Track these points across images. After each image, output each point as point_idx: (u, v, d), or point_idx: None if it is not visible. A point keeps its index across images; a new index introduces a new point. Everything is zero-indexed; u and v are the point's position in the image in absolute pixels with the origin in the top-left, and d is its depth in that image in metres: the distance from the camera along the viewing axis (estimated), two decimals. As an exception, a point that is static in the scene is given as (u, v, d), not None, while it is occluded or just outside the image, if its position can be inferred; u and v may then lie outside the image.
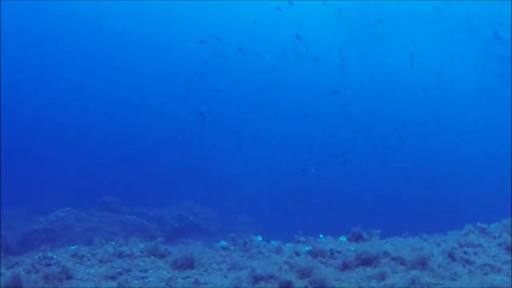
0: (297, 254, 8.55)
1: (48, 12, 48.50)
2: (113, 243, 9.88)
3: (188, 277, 7.83)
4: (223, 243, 10.29)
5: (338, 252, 8.57)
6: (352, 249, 8.56)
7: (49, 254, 8.42)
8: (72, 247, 9.68)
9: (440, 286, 6.77)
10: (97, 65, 50.12)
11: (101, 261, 8.62)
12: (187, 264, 8.46)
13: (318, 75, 34.93)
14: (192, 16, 49.87)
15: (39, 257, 8.37)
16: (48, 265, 8.15)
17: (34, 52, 47.31)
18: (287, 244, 9.72)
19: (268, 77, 35.36)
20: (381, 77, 35.20)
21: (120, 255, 8.77)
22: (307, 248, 8.78)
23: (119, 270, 7.98)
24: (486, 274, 7.27)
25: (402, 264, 7.70)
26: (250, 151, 41.69)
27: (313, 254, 8.53)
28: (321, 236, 9.93)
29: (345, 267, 7.89)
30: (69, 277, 7.64)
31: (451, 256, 7.92)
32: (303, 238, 9.77)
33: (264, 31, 42.47)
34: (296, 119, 43.97)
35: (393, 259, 7.94)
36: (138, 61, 50.87)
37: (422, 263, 7.44)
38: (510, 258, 7.94)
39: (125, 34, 51.12)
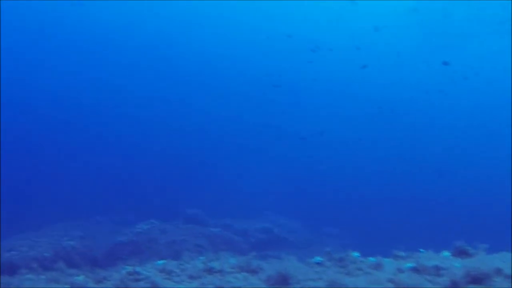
0: (400, 271, 7.96)
1: (53, 12, 48.66)
2: (202, 257, 9.69)
3: (284, 295, 7.46)
4: (317, 258, 9.83)
5: (444, 269, 7.90)
6: (459, 265, 7.88)
7: (137, 269, 8.29)
8: (159, 262, 9.55)
9: None
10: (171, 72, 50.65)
11: (190, 276, 8.40)
12: (282, 280, 8.07)
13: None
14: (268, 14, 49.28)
15: (127, 272, 8.27)
16: (136, 280, 8.03)
17: (38, 52, 48.22)
18: (386, 260, 9.15)
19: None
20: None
21: (210, 270, 8.53)
22: (409, 265, 8.17)
23: (210, 287, 7.71)
24: None
25: (518, 283, 6.96)
26: (333, 159, 41.14)
27: (417, 270, 7.91)
28: (421, 250, 9.30)
29: (453, 285, 7.22)
30: (158, 294, 7.46)
31: None
32: (402, 253, 9.16)
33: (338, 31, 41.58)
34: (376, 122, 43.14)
35: (507, 277, 7.20)
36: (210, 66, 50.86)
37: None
38: None
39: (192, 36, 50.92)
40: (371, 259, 9.38)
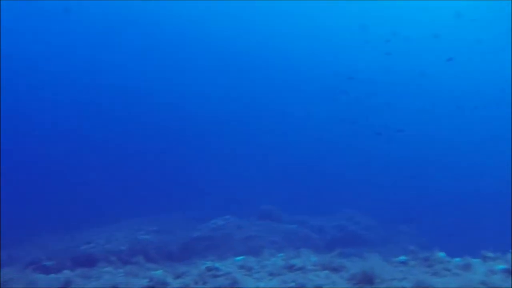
0: (492, 272, 7.40)
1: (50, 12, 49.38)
2: (282, 254, 9.42)
3: (370, 295, 7.06)
4: (402, 257, 9.36)
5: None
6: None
7: (217, 265, 8.10)
8: (238, 258, 9.34)
9: None
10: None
11: (271, 273, 8.14)
12: (366, 280, 7.67)
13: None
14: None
15: (206, 267, 8.10)
16: (215, 276, 7.85)
17: (36, 52, 48.42)
18: (474, 260, 8.58)
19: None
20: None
21: (291, 268, 8.23)
22: (501, 266, 7.63)
23: (292, 284, 7.41)
24: None
25: None
26: (408, 155, 40.06)
27: (509, 272, 7.35)
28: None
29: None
30: (238, 291, 7.24)
31: None
32: (491, 254, 8.57)
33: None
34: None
35: None
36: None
37: None
38: None
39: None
40: (457, 259, 8.87)
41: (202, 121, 47.12)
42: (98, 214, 25.83)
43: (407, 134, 37.10)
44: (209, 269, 8.13)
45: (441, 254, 9.25)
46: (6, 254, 18.04)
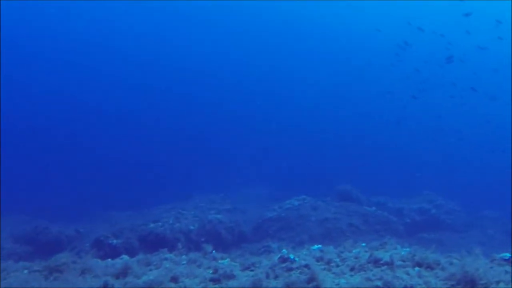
0: None
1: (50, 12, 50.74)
2: (364, 244, 8.42)
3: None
4: (505, 254, 8.16)
5: None
6: None
7: (291, 256, 7.21)
8: (315, 247, 8.44)
9: None
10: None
11: (352, 268, 7.17)
12: (467, 281, 6.58)
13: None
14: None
15: (279, 258, 7.23)
16: (289, 269, 6.97)
17: (35, 52, 49.00)
18: None
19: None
20: None
21: (376, 262, 7.21)
22: None
23: (378, 283, 6.43)
24: None
25: None
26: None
27: None
28: None
29: None
30: (315, 288, 6.33)
31: None
32: None
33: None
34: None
35: None
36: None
37: None
38: None
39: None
40: None
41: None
42: (169, 190, 25.75)
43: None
44: (282, 260, 7.27)
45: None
46: (73, 229, 18.07)
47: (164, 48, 54.13)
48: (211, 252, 8.01)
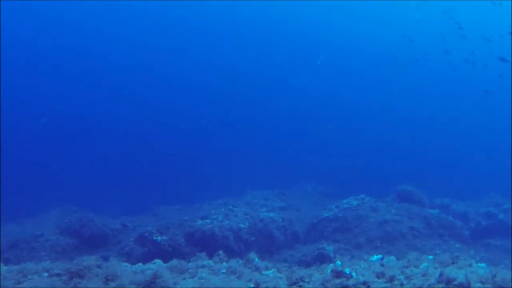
0: None
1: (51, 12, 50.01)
2: (431, 257, 7.22)
3: None
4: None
5: None
6: None
7: (347, 271, 6.11)
8: (374, 257, 7.30)
9: None
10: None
11: (419, 289, 5.99)
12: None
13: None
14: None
15: (332, 271, 6.14)
16: (344, 286, 5.85)
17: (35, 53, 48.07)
18: None
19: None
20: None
21: (449, 283, 6.01)
22: None
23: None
24: None
25: None
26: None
27: None
28: None
29: None
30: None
31: None
32: None
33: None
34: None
35: None
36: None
37: None
38: None
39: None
40: None
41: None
42: (223, 185, 25.03)
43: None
44: (336, 274, 6.17)
45: None
46: (120, 223, 17.47)
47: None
48: (254, 260, 6.97)
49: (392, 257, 7.36)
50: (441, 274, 6.15)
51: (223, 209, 16.11)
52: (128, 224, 17.58)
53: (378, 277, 6.24)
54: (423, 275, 6.30)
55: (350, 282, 5.95)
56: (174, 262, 6.91)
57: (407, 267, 6.69)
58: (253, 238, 15.14)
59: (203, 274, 6.60)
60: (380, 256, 7.41)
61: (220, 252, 7.35)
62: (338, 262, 6.61)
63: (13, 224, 17.78)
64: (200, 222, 14.99)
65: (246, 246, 14.86)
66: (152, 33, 52.87)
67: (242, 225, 15.24)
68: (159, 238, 14.08)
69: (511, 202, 21.69)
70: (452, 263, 7.00)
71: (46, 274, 6.55)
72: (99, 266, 6.55)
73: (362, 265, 6.74)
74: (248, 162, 31.77)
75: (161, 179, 28.14)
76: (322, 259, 13.57)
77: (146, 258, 13.90)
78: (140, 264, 7.46)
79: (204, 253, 7.26)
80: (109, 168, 29.63)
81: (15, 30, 46.47)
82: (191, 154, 33.50)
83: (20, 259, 14.68)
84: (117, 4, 51.50)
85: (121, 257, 15.25)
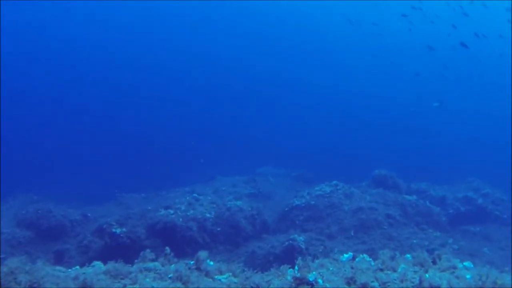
0: None
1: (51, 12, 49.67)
2: (409, 256, 6.34)
3: None
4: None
5: None
6: None
7: (310, 277, 5.15)
8: (345, 256, 6.42)
9: None
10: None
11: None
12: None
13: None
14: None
15: (293, 277, 5.18)
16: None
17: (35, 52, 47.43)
18: None
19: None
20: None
21: (431, 288, 5.10)
22: None
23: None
24: None
25: None
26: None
27: None
28: None
29: None
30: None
31: None
32: None
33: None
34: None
35: None
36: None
37: None
38: None
39: None
40: None
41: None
42: (192, 172, 24.07)
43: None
44: (298, 281, 5.22)
45: None
46: (80, 213, 16.42)
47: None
48: (206, 262, 5.97)
49: (365, 256, 6.44)
50: (421, 281, 5.24)
51: (188, 198, 15.08)
52: (89, 214, 16.53)
53: (348, 283, 5.31)
54: (401, 281, 5.39)
55: (313, 290, 5.01)
56: (113, 265, 5.89)
57: (382, 270, 5.77)
58: (219, 229, 14.15)
59: (147, 280, 5.60)
60: (350, 254, 6.48)
61: (168, 250, 6.34)
62: (298, 270, 5.67)
63: (-34, 215, 16.59)
64: (162, 212, 13.96)
65: (211, 237, 13.88)
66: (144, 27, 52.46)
67: (208, 215, 14.23)
68: (118, 230, 13.01)
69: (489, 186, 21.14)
70: (433, 262, 6.12)
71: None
72: (27, 271, 5.52)
73: (331, 268, 5.80)
74: (220, 147, 30.90)
75: (128, 165, 27.09)
76: (292, 251, 12.71)
77: (105, 251, 12.95)
78: (78, 267, 6.42)
79: (150, 252, 6.24)
80: (74, 154, 28.53)
81: (15, 30, 45.42)
82: (161, 140, 32.54)
83: (-31, 254, 13.63)
84: (117, 3, 50.53)
85: (79, 250, 14.29)
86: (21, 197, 19.06)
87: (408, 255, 6.42)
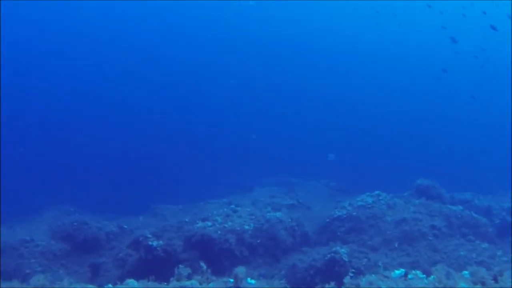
0: None
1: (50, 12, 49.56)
2: (467, 273, 5.79)
3: None
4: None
5: None
6: None
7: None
8: (396, 272, 5.89)
9: None
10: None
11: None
12: None
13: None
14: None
15: None
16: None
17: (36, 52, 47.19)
18: None
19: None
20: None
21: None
22: None
23: None
24: None
25: None
26: None
27: None
28: None
29: None
30: None
31: None
32: None
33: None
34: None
35: None
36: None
37: None
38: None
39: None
40: None
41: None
42: (232, 182, 23.74)
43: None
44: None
45: None
46: (116, 225, 16.20)
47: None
48: (245, 279, 5.53)
49: (418, 272, 5.92)
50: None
51: (225, 210, 14.70)
52: (125, 226, 16.28)
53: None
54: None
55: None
56: (147, 284, 5.50)
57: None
58: (258, 241, 13.69)
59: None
60: (402, 271, 5.96)
61: (204, 267, 5.92)
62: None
63: (3, 228, 16.51)
64: (200, 224, 13.58)
65: (250, 250, 13.42)
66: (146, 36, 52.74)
67: (246, 227, 13.77)
68: (154, 243, 12.68)
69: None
70: (495, 280, 5.55)
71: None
72: (49, 291, 5.18)
73: (382, 287, 5.29)
74: (258, 158, 30.49)
75: (165, 176, 26.93)
76: (334, 264, 12.16)
77: (141, 265, 12.65)
78: (110, 285, 6.06)
79: (186, 268, 5.84)
80: (110, 166, 28.50)
81: (14, 30, 45.98)
82: (199, 151, 32.35)
83: (7, 267, 13.54)
84: (118, 4, 50.91)
85: (115, 263, 14.02)
86: (56, 209, 19.00)
87: (466, 272, 5.87)
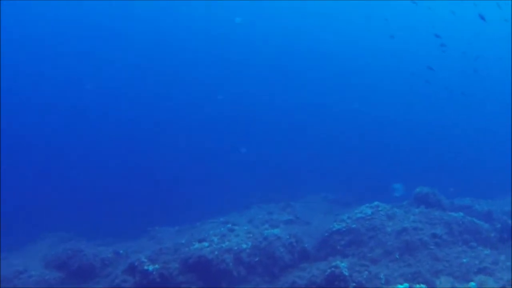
0: None
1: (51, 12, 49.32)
2: (474, 285, 5.53)
3: None
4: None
5: None
6: None
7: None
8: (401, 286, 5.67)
9: None
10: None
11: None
12: None
13: None
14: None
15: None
16: None
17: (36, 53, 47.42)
18: None
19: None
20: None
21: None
22: None
23: None
24: None
25: None
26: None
27: None
28: None
29: None
30: None
31: None
32: None
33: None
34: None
35: None
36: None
37: None
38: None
39: None
40: None
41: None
42: (228, 201, 23.48)
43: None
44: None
45: None
46: (112, 251, 15.88)
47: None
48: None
49: (422, 286, 5.65)
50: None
51: (222, 229, 14.39)
52: (121, 251, 15.94)
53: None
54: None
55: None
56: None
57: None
58: (256, 259, 13.38)
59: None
60: (406, 285, 5.71)
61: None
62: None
63: (-4, 258, 16.18)
64: (196, 245, 13.28)
65: (248, 269, 13.09)
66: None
67: (244, 246, 13.46)
68: (150, 267, 12.36)
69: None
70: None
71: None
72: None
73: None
74: (254, 175, 30.24)
75: (163, 198, 26.66)
76: (335, 279, 11.86)
77: (137, 290, 12.34)
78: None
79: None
80: (106, 190, 28.20)
81: (14, 30, 45.91)
82: (194, 171, 32.09)
83: (1, 300, 13.23)
84: (117, 3, 50.79)
85: (112, 290, 13.69)
86: (52, 236, 18.76)
87: (473, 283, 5.62)
